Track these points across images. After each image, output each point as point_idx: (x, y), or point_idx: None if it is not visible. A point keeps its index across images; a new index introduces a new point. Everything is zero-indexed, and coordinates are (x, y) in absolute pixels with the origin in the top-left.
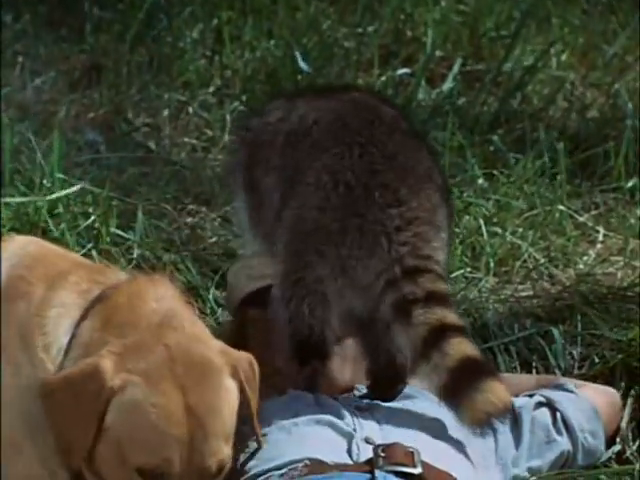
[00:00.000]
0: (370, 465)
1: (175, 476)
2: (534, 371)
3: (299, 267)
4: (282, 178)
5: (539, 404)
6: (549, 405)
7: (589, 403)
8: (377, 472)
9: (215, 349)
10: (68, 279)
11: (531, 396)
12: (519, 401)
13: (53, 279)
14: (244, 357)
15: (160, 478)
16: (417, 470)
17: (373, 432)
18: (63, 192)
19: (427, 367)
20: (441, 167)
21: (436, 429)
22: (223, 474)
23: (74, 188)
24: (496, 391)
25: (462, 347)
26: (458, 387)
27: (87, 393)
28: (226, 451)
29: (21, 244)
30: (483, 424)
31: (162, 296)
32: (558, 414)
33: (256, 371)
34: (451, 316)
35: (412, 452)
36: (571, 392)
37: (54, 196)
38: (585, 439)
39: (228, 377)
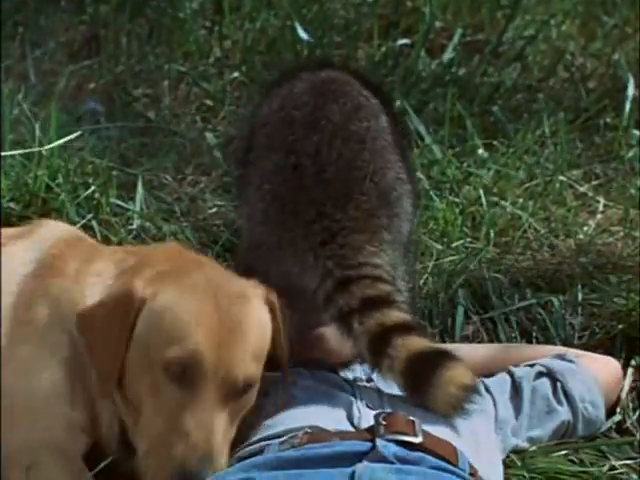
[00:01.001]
0: (371, 433)
1: (202, 376)
2: (534, 341)
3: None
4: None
5: (539, 374)
6: (549, 375)
7: (589, 373)
8: (378, 440)
9: (249, 282)
10: (102, 254)
11: (532, 366)
12: (519, 371)
13: (88, 256)
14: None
15: (187, 379)
16: (418, 439)
17: (373, 400)
18: (61, 140)
19: (382, 373)
20: (407, 150)
21: None
22: (251, 396)
23: (72, 136)
24: (454, 378)
25: (407, 346)
26: (417, 387)
27: (118, 311)
28: (254, 369)
29: (53, 229)
30: (457, 412)
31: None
32: (558, 384)
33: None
34: (392, 315)
35: (413, 421)
36: (571, 362)
37: (52, 145)
38: (585, 409)
39: (261, 301)
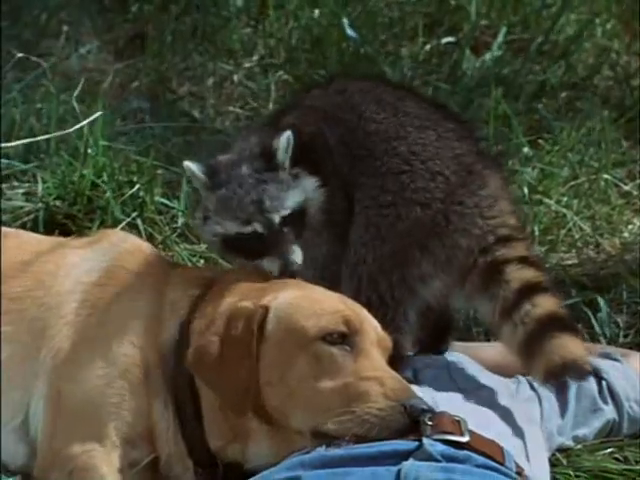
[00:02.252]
0: (418, 433)
1: (360, 332)
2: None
3: (397, 266)
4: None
5: None
6: (595, 374)
7: (634, 372)
8: (425, 440)
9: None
10: (169, 271)
11: None
12: None
13: (157, 273)
14: None
15: (347, 339)
16: (465, 438)
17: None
18: (85, 121)
19: (515, 317)
20: None
21: (483, 396)
22: None
23: (94, 116)
24: (574, 347)
25: (549, 303)
26: (538, 338)
27: (238, 331)
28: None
29: (120, 239)
30: (557, 377)
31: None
32: (604, 383)
33: None
34: (542, 278)
35: (459, 421)
36: (617, 360)
37: (76, 127)
38: (630, 408)
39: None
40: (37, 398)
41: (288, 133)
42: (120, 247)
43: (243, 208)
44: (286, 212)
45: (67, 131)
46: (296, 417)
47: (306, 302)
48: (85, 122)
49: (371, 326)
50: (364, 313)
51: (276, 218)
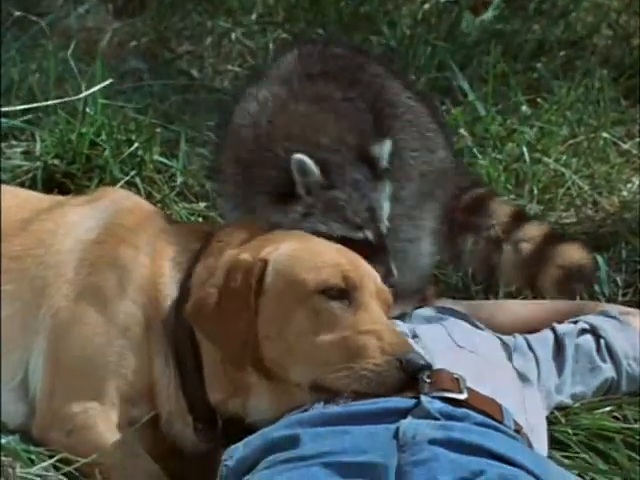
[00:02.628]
0: (415, 390)
1: (360, 286)
2: (578, 298)
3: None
4: None
5: (583, 331)
6: (593, 332)
7: (633, 330)
8: (423, 397)
9: None
10: (169, 229)
11: (575, 323)
12: (563, 328)
13: (157, 230)
14: None
15: (347, 293)
16: (463, 395)
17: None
18: (96, 87)
19: (514, 237)
20: None
21: (480, 353)
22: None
23: (104, 83)
24: (576, 253)
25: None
26: (540, 251)
27: (237, 283)
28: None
29: (118, 197)
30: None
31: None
32: (602, 341)
33: None
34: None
35: (457, 378)
36: (615, 319)
37: (85, 94)
38: (629, 366)
39: None
40: (36, 356)
41: (389, 141)
42: (120, 205)
43: (357, 213)
44: (388, 224)
45: (76, 97)
46: (295, 371)
47: (306, 255)
48: (96, 88)
49: (370, 279)
50: (364, 266)
51: (384, 228)
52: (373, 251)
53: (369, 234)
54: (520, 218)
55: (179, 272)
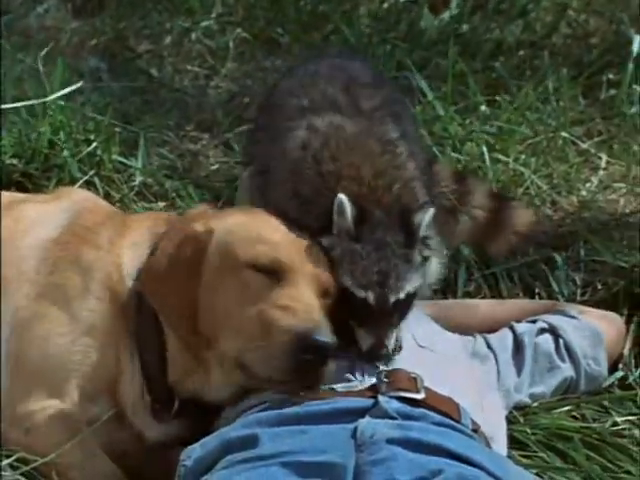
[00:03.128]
0: (374, 390)
1: (288, 265)
2: (537, 297)
3: None
4: None
5: (542, 330)
6: (552, 331)
7: (592, 329)
8: (380, 397)
9: None
10: (132, 222)
11: (534, 322)
12: (522, 327)
13: (119, 225)
14: None
15: (274, 268)
16: (420, 395)
17: None
18: (65, 90)
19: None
20: None
21: (440, 353)
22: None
23: (74, 87)
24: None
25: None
26: (494, 220)
27: (187, 251)
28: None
29: (77, 197)
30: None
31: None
32: (561, 340)
33: None
34: None
35: (415, 378)
36: (574, 318)
37: (54, 96)
38: (588, 365)
39: None
40: None
41: (432, 210)
42: (81, 205)
43: (366, 273)
44: (401, 296)
45: (45, 99)
46: (225, 344)
47: (246, 229)
48: (66, 91)
49: (306, 261)
50: (305, 247)
51: (392, 298)
52: (372, 318)
53: (371, 296)
54: (461, 179)
55: (140, 258)
